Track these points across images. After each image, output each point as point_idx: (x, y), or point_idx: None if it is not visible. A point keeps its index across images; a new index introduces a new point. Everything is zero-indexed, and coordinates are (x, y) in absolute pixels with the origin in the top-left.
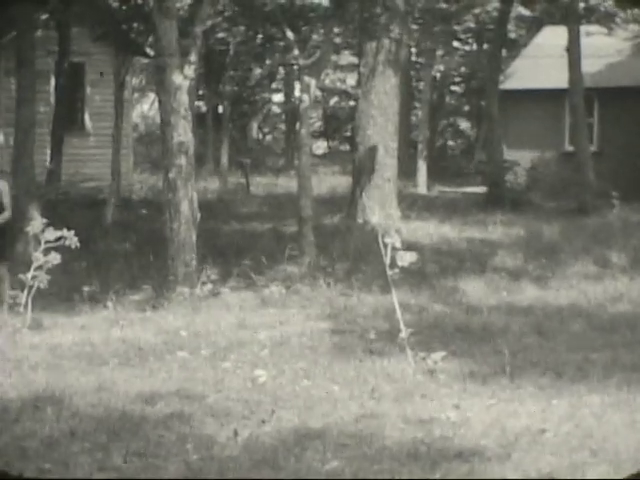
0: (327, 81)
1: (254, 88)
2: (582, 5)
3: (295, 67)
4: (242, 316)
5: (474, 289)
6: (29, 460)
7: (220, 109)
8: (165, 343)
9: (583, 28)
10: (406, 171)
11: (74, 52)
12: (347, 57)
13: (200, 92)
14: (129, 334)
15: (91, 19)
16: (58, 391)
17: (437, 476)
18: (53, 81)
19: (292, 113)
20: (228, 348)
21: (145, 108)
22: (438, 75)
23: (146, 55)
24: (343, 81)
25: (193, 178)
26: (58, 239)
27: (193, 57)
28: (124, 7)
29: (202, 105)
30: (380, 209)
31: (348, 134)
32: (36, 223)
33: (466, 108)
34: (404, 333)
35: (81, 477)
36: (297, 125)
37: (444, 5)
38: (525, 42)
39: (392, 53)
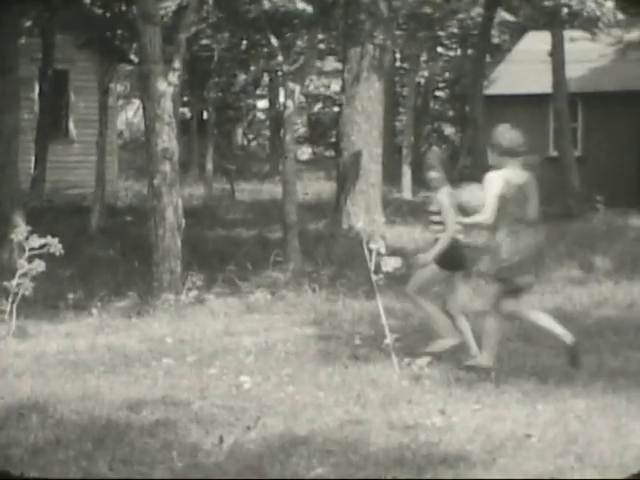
0: (311, 87)
1: (239, 94)
2: (565, 10)
3: (279, 73)
4: (227, 322)
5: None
6: (14, 468)
7: (205, 115)
8: (150, 350)
9: (566, 33)
10: (391, 176)
11: (58, 59)
12: (331, 63)
13: (185, 98)
14: (114, 341)
15: (75, 26)
16: (43, 399)
17: None
18: (37, 88)
19: (276, 119)
20: (213, 355)
21: (130, 115)
22: (422, 81)
23: (130, 62)
24: (327, 87)
25: (178, 184)
26: (42, 246)
27: (177, 64)
28: (108, 14)
29: (187, 111)
30: (365, 215)
31: (333, 140)
32: (20, 230)
33: (450, 113)
34: (389, 339)
35: None
36: (282, 131)
37: (428, 11)
38: (509, 47)
39: (376, 59)
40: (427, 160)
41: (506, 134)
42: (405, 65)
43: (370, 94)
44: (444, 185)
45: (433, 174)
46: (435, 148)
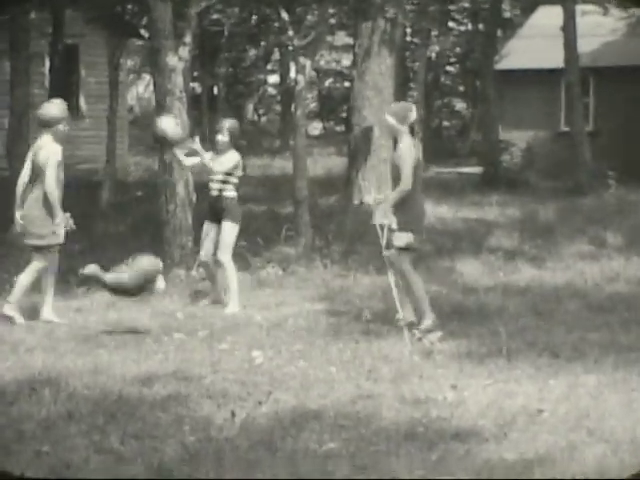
0: (322, 62)
1: (249, 69)
2: None
3: (290, 48)
4: (239, 297)
5: (470, 269)
6: (26, 443)
7: (215, 90)
8: (161, 325)
9: (578, 7)
10: None
11: (68, 34)
12: (342, 38)
13: (195, 74)
14: (125, 317)
15: (85, 1)
16: (55, 374)
17: (434, 457)
18: (47, 63)
19: (287, 94)
20: (225, 330)
21: (140, 90)
22: (433, 55)
23: (141, 37)
24: (338, 62)
25: None
26: None
27: (188, 38)
28: None
29: (197, 86)
30: (376, 190)
31: (343, 115)
32: None
33: (461, 88)
34: (401, 314)
35: (79, 462)
36: (292, 106)
37: None
38: (520, 22)
39: (387, 33)
40: (219, 124)
41: None
42: (416, 40)
43: (381, 69)
44: (229, 150)
45: (220, 137)
46: (229, 119)
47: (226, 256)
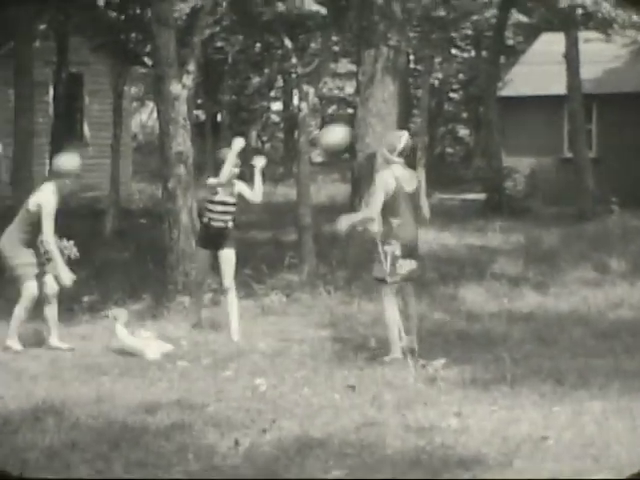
0: (325, 89)
1: (253, 96)
2: (580, 11)
3: (293, 75)
4: (242, 325)
5: (474, 296)
6: (30, 471)
7: (219, 118)
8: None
9: (581, 34)
10: None
11: (72, 62)
12: (345, 65)
13: (199, 101)
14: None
15: (89, 29)
16: (58, 402)
17: None
18: (51, 91)
19: (291, 121)
20: (228, 357)
21: (144, 117)
22: (436, 82)
23: (144, 65)
24: (341, 89)
25: (192, 187)
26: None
27: (191, 66)
28: (122, 17)
29: (201, 114)
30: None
31: None
32: None
33: (464, 115)
34: (405, 341)
35: None
36: (296, 133)
37: (442, 13)
38: (523, 49)
39: (390, 61)
40: (219, 155)
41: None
42: (419, 67)
43: (384, 96)
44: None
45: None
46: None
47: (232, 282)
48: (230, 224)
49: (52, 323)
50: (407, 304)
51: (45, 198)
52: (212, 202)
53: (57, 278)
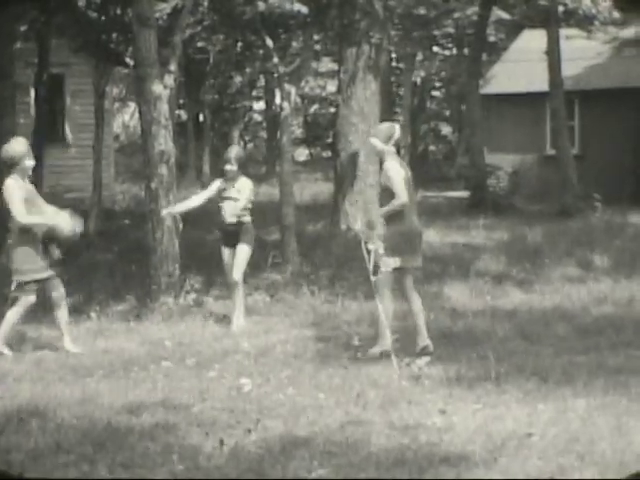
0: (307, 88)
1: (234, 96)
2: (561, 9)
3: (275, 75)
4: (226, 325)
5: (458, 294)
6: (14, 472)
7: (201, 118)
8: (149, 353)
9: (562, 31)
10: None
11: (54, 63)
12: (327, 64)
13: (181, 101)
14: (113, 345)
15: (70, 30)
16: (43, 403)
17: None
18: (33, 93)
19: (273, 121)
20: (212, 357)
21: (126, 118)
22: (418, 80)
23: (126, 65)
24: (323, 88)
25: (175, 187)
26: None
27: (173, 66)
28: (103, 17)
29: (183, 114)
30: (363, 215)
31: (329, 141)
32: None
33: (447, 113)
34: (389, 339)
35: None
36: (278, 133)
37: (423, 10)
38: (505, 46)
39: (372, 59)
40: (227, 154)
41: None
42: (401, 65)
43: (366, 94)
44: (238, 177)
45: (228, 167)
46: (234, 147)
47: (240, 276)
48: (244, 219)
49: (63, 327)
50: (410, 301)
51: (5, 191)
52: (222, 201)
53: (59, 242)
